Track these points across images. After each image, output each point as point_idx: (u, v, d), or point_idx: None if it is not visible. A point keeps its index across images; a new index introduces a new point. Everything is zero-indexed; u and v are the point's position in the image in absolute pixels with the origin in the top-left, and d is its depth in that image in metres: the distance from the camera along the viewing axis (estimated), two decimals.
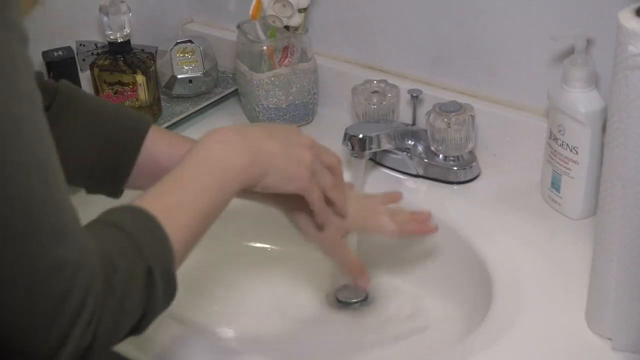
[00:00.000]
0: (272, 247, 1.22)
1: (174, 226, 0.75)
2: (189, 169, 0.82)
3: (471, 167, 1.17)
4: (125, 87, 1.26)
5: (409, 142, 1.18)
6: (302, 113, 1.32)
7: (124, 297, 0.69)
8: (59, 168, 0.66)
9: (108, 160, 0.94)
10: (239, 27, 1.29)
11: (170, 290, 0.75)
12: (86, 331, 0.66)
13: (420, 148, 1.18)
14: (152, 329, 0.95)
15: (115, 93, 1.27)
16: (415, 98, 1.21)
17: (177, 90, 1.36)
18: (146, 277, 0.71)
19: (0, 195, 0.62)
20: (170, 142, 0.96)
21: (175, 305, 1.08)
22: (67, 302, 0.65)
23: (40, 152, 0.65)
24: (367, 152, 1.15)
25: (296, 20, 1.25)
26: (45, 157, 0.65)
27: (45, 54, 1.20)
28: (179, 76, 1.35)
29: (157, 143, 0.95)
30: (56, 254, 0.64)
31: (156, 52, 1.34)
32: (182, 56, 1.35)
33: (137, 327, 0.73)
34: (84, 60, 1.26)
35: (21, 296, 0.64)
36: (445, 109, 1.15)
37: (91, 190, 0.96)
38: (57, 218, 0.65)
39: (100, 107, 0.96)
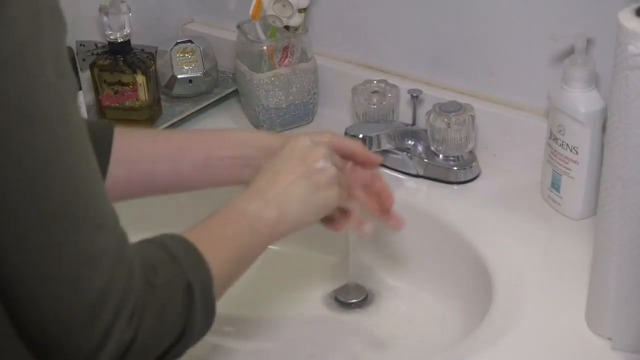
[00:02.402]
0: (272, 247, 1.22)
1: (214, 259, 0.76)
2: (225, 222, 0.83)
3: (471, 167, 1.17)
4: (125, 87, 1.26)
5: (409, 142, 1.18)
6: (302, 113, 1.32)
7: (165, 301, 0.69)
8: (96, 163, 0.68)
9: None
10: (239, 27, 1.29)
11: (209, 312, 0.75)
12: (128, 326, 0.66)
13: (420, 148, 1.18)
14: None
15: (115, 93, 1.27)
16: (415, 98, 1.21)
17: (177, 90, 1.36)
18: (186, 291, 0.72)
19: (42, 185, 0.63)
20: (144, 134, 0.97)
21: None
22: (108, 294, 0.65)
23: (82, 147, 0.66)
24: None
25: (296, 20, 1.25)
26: (85, 153, 0.67)
27: None
28: (179, 76, 1.35)
29: (127, 138, 0.95)
30: (96, 244, 0.65)
31: (156, 52, 1.34)
32: (182, 56, 1.35)
33: (175, 347, 0.72)
34: (84, 60, 1.26)
35: (62, 289, 0.64)
36: (445, 109, 1.15)
37: None
38: (97, 209, 0.66)
39: None
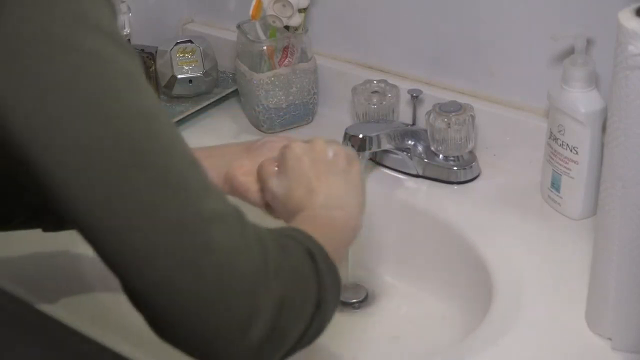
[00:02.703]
0: None
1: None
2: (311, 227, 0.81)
3: (471, 167, 1.17)
4: None
5: (409, 142, 1.18)
6: (302, 113, 1.32)
7: (296, 264, 0.68)
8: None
9: None
10: (239, 27, 1.29)
11: (335, 277, 0.73)
12: (273, 288, 0.65)
13: (420, 148, 1.18)
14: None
15: None
16: (415, 98, 1.21)
17: (177, 90, 1.36)
18: (309, 256, 0.70)
19: (147, 159, 0.63)
20: None
21: None
22: (245, 251, 0.65)
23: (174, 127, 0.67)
24: (367, 152, 1.15)
25: (296, 20, 1.25)
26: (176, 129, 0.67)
27: None
28: (179, 76, 1.35)
29: None
30: (208, 206, 0.65)
31: (156, 52, 1.34)
32: (182, 56, 1.35)
33: (318, 315, 0.71)
34: None
35: (192, 253, 0.63)
36: (445, 109, 1.15)
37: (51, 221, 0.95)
38: (199, 175, 0.66)
39: None
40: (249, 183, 0.91)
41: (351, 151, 0.91)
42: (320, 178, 0.85)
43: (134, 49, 0.67)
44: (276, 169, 0.87)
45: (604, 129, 0.98)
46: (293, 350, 0.70)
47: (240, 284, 0.64)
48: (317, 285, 0.70)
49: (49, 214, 0.93)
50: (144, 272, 0.64)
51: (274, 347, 0.67)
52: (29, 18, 0.61)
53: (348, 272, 1.14)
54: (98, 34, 0.63)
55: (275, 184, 0.86)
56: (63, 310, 0.98)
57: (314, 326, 0.71)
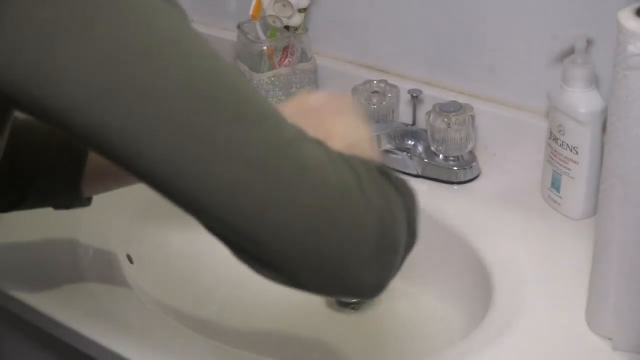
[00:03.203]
0: None
1: None
2: None
3: (471, 167, 1.17)
4: None
5: (409, 142, 1.18)
6: None
7: (376, 173, 0.67)
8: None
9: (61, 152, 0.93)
10: (239, 27, 1.29)
11: (404, 182, 0.71)
12: (369, 190, 0.64)
13: (420, 148, 1.18)
14: (151, 329, 0.95)
15: None
16: (415, 98, 1.21)
17: None
18: (377, 167, 0.69)
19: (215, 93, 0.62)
20: None
21: (176, 305, 1.08)
22: (351, 194, 0.63)
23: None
24: None
25: (296, 20, 1.25)
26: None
27: None
28: None
29: None
30: (290, 131, 0.64)
31: None
32: None
33: (410, 218, 0.70)
34: None
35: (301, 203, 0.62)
36: (445, 109, 1.15)
37: (52, 195, 0.95)
38: (271, 106, 0.65)
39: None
40: None
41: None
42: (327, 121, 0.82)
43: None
44: None
45: (604, 129, 0.98)
46: (403, 259, 0.71)
47: (343, 198, 0.63)
48: (397, 190, 0.69)
49: (59, 196, 0.95)
50: (250, 214, 0.62)
51: (390, 257, 0.67)
52: None
53: None
54: None
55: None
56: (63, 310, 0.98)
57: (410, 229, 0.70)
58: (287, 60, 1.28)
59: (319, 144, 0.65)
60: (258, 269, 0.66)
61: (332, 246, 0.63)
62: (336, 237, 0.63)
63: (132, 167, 0.62)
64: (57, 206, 0.97)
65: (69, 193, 0.95)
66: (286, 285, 0.66)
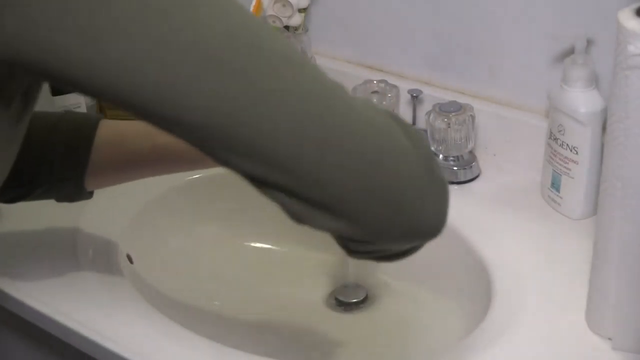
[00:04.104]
0: (272, 247, 1.22)
1: None
2: None
3: (471, 167, 1.17)
4: None
5: None
6: None
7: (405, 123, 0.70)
8: None
9: (67, 144, 0.94)
10: None
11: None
12: (411, 138, 0.67)
13: None
14: (152, 329, 0.95)
15: None
16: (415, 98, 1.21)
17: None
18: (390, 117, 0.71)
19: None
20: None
21: (176, 305, 1.08)
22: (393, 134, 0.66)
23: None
24: None
25: (296, 20, 1.25)
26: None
27: None
28: None
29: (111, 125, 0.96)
30: (341, 91, 0.66)
31: None
32: None
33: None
34: None
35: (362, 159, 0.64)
36: (445, 109, 1.15)
37: (56, 188, 0.96)
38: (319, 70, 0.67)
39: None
40: None
41: None
42: None
43: None
44: None
45: (604, 129, 0.98)
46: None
47: (390, 134, 0.66)
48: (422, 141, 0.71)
49: (62, 190, 0.96)
50: (311, 153, 0.63)
51: (441, 189, 0.69)
52: None
53: (349, 272, 1.14)
54: None
55: None
56: (62, 310, 0.98)
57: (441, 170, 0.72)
58: None
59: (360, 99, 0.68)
60: (319, 220, 0.66)
61: (390, 179, 0.64)
62: (392, 169, 0.65)
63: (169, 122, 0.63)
64: (60, 199, 0.98)
65: (72, 187, 0.96)
66: (346, 233, 0.66)
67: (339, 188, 0.64)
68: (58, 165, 0.94)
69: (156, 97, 0.61)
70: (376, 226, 0.66)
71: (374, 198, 0.64)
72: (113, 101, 0.63)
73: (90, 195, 0.99)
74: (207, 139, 0.63)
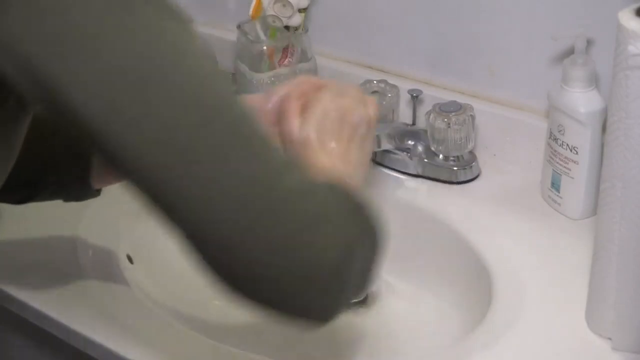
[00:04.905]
0: None
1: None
2: None
3: (471, 167, 1.17)
4: None
5: (409, 142, 1.18)
6: None
7: (359, 202, 0.70)
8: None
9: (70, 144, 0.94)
10: (239, 27, 1.29)
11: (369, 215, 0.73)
12: (353, 243, 0.66)
13: (420, 148, 1.18)
14: (151, 329, 0.95)
15: None
16: (415, 98, 1.21)
17: None
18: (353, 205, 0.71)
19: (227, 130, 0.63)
20: None
21: (176, 305, 1.08)
22: (320, 223, 0.65)
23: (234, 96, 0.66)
24: None
25: (296, 20, 1.25)
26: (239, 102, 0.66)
27: None
28: None
29: None
30: (287, 179, 0.65)
31: None
32: None
33: (375, 249, 0.72)
34: None
35: (274, 224, 0.63)
36: (445, 109, 1.15)
37: (62, 187, 0.97)
38: (274, 151, 0.66)
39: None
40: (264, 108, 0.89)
41: (373, 108, 0.88)
42: (340, 141, 0.82)
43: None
44: (298, 109, 0.84)
45: (604, 129, 0.98)
46: (357, 293, 0.72)
47: (310, 227, 0.65)
48: (366, 230, 0.71)
49: (68, 190, 0.97)
50: (225, 225, 0.63)
51: (342, 292, 0.68)
52: None
53: None
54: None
55: (292, 125, 0.83)
56: (63, 310, 0.98)
57: (367, 269, 0.72)
58: (287, 60, 1.28)
59: (304, 171, 0.67)
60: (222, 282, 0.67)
61: (289, 267, 0.65)
62: (296, 260, 0.65)
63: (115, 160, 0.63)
64: (68, 199, 0.98)
65: (79, 186, 0.96)
66: (228, 284, 0.67)
67: (244, 254, 0.64)
68: (64, 165, 0.94)
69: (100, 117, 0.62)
70: (255, 295, 0.68)
71: (265, 279, 0.66)
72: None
73: (98, 193, 0.99)
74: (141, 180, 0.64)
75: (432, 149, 1.17)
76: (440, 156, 1.17)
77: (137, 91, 0.61)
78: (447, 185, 1.17)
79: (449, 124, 1.15)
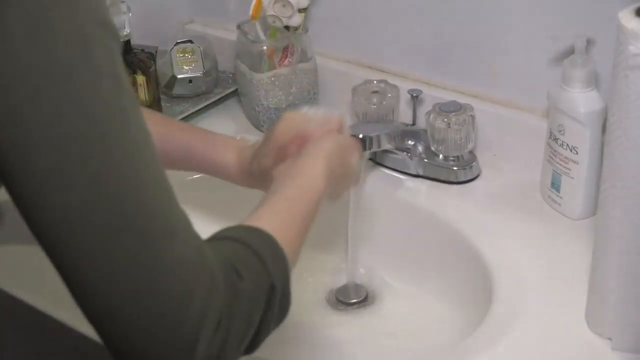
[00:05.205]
0: None
1: (286, 243, 0.76)
2: (295, 190, 0.84)
3: (471, 167, 1.17)
4: None
5: (409, 142, 1.18)
6: None
7: (251, 307, 0.69)
8: (162, 169, 0.66)
9: None
10: (239, 27, 1.29)
11: (284, 309, 0.74)
12: (215, 337, 0.65)
13: (420, 148, 1.18)
14: None
15: None
16: (415, 98, 1.21)
17: (177, 90, 1.36)
18: (269, 292, 0.71)
19: (107, 200, 0.62)
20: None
21: None
22: (190, 305, 0.64)
23: (147, 156, 0.65)
24: (367, 152, 1.15)
25: (296, 20, 1.25)
26: (152, 156, 0.65)
27: None
28: (179, 76, 1.35)
29: None
30: (170, 253, 0.64)
31: (156, 52, 1.34)
32: (182, 56, 1.35)
33: (250, 345, 0.71)
34: None
35: (141, 302, 0.63)
36: (445, 109, 1.15)
37: None
38: (167, 218, 0.65)
39: None
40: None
41: (359, 164, 0.95)
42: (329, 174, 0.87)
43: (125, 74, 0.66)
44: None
45: (604, 129, 0.98)
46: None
47: (178, 307, 0.64)
48: (261, 318, 0.71)
49: None
50: (100, 293, 0.65)
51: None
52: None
53: (349, 272, 1.14)
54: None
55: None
56: (63, 310, 0.98)
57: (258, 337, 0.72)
58: (287, 60, 1.28)
59: (197, 243, 0.67)
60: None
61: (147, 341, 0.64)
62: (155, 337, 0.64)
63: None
64: None
65: None
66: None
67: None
68: None
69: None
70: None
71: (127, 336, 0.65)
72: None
73: None
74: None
75: (432, 149, 1.17)
76: (440, 156, 1.17)
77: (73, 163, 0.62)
78: (447, 185, 1.17)
79: (449, 124, 1.15)
